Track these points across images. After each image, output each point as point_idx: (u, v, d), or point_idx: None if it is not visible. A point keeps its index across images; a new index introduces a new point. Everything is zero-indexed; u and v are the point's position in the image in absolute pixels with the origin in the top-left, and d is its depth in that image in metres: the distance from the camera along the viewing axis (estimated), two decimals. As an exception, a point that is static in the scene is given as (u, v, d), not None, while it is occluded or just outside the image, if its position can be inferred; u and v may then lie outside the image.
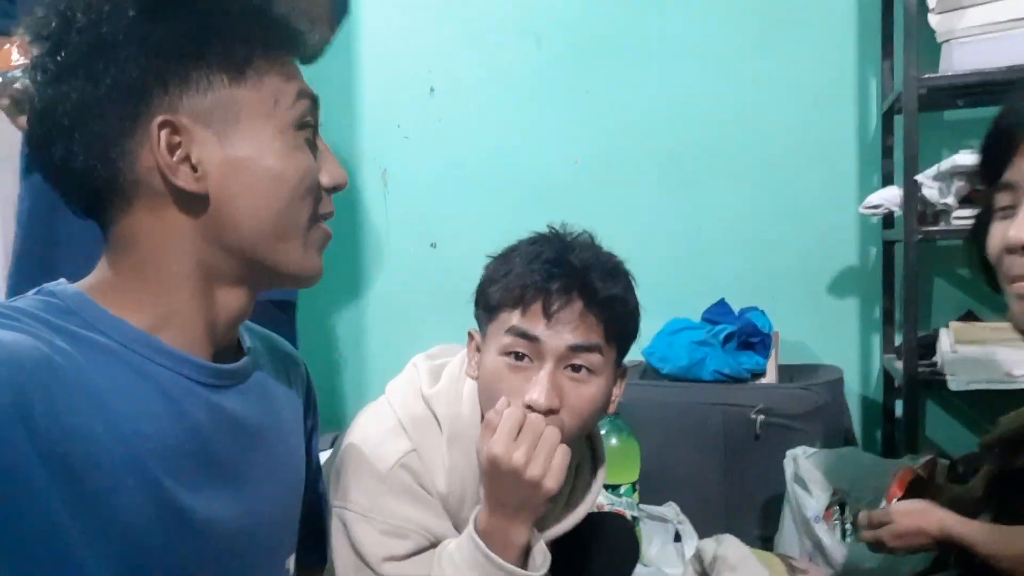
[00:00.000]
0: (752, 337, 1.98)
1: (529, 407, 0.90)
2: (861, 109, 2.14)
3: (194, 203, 0.64)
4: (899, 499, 1.21)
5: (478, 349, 1.00)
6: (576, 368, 0.93)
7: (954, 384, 1.70)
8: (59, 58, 0.61)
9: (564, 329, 0.92)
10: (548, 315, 0.92)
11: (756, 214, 2.19)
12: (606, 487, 1.83)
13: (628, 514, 1.78)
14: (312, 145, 0.70)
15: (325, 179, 0.71)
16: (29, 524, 0.50)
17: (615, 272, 0.98)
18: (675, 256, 2.24)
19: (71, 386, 0.55)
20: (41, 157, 0.64)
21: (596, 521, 1.28)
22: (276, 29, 0.68)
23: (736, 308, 2.07)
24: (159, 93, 0.62)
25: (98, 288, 0.65)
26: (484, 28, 2.37)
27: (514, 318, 0.93)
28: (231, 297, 0.69)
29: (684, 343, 1.98)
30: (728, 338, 1.98)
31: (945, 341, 1.81)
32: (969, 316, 1.96)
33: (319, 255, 0.72)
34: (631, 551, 1.28)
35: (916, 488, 1.23)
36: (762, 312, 2.03)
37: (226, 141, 0.64)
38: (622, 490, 1.84)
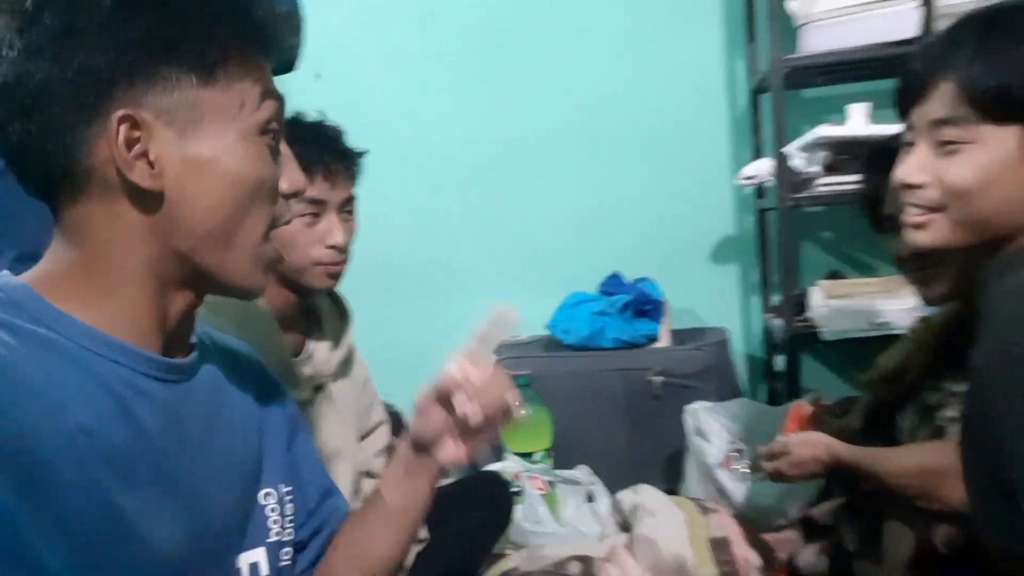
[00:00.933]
0: (645, 305, 2.10)
1: (333, 246, 1.19)
2: (730, 89, 2.31)
3: (148, 200, 0.63)
4: (793, 433, 1.34)
5: None
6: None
7: (827, 335, 1.88)
8: (29, 36, 0.59)
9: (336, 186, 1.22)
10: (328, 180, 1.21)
11: (643, 191, 2.33)
12: (520, 455, 1.91)
13: (543, 478, 1.86)
14: (275, 151, 0.69)
15: (284, 185, 0.70)
16: None
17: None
18: (571, 234, 2.34)
19: (13, 380, 0.54)
20: None
21: (473, 480, 1.59)
22: (253, 33, 0.66)
23: (629, 279, 2.19)
24: (124, 86, 0.61)
25: (44, 281, 0.64)
26: (372, 13, 2.37)
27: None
28: (179, 298, 0.68)
29: (584, 314, 2.08)
30: (624, 307, 2.10)
31: (816, 298, 1.99)
32: (835, 275, 2.17)
33: (264, 273, 0.70)
34: (505, 504, 1.52)
35: (807, 423, 1.36)
36: (653, 282, 2.17)
37: (187, 141, 0.63)
38: (536, 457, 1.92)
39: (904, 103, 0.89)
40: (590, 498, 1.91)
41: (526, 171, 2.35)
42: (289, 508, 0.79)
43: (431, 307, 2.38)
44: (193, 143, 0.63)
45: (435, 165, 2.37)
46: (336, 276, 1.25)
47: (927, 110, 0.85)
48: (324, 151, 1.19)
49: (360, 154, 1.27)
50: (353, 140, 1.28)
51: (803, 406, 1.39)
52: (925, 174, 0.84)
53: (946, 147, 0.83)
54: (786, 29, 1.94)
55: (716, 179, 2.30)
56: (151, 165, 0.62)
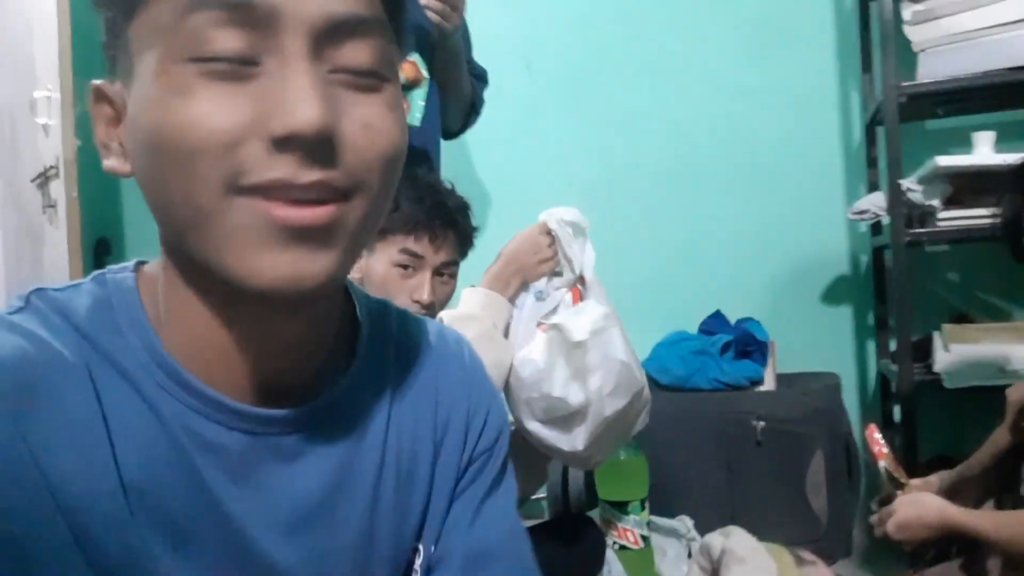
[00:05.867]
0: (749, 346, 2.00)
1: (417, 301, 1.24)
2: (844, 120, 2.19)
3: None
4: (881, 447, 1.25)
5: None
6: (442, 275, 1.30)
7: (950, 383, 1.72)
8: None
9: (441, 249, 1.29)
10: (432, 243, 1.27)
11: (748, 226, 2.24)
12: (612, 504, 1.83)
13: (637, 532, 1.77)
14: (234, 75, 0.44)
15: (273, 125, 0.43)
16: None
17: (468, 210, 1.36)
18: (671, 269, 2.27)
19: (51, 413, 0.45)
20: None
21: (561, 520, 1.58)
22: None
23: (732, 319, 2.10)
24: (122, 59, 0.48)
25: (153, 280, 0.52)
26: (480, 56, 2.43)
27: (408, 242, 1.25)
28: (237, 316, 0.50)
29: (682, 353, 2.01)
30: (725, 347, 2.00)
31: (939, 343, 1.84)
32: (961, 318, 1.99)
33: (265, 249, 0.45)
34: (597, 547, 1.49)
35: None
36: (758, 322, 2.06)
37: (128, 98, 0.47)
38: (629, 507, 1.83)
39: None
40: (690, 553, 1.81)
41: (632, 204, 2.31)
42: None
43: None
44: (129, 99, 0.47)
45: (539, 202, 2.37)
46: None
47: None
48: (436, 213, 1.26)
49: (473, 228, 1.35)
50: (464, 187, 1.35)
51: (872, 425, 1.32)
52: None
53: None
54: (904, 56, 1.83)
55: (829, 214, 2.19)
56: (122, 143, 0.49)
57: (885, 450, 1.26)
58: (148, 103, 0.44)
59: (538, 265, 1.30)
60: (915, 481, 1.26)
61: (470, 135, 2.45)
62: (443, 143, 1.70)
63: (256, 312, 0.49)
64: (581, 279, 1.31)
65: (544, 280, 1.30)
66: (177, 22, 0.43)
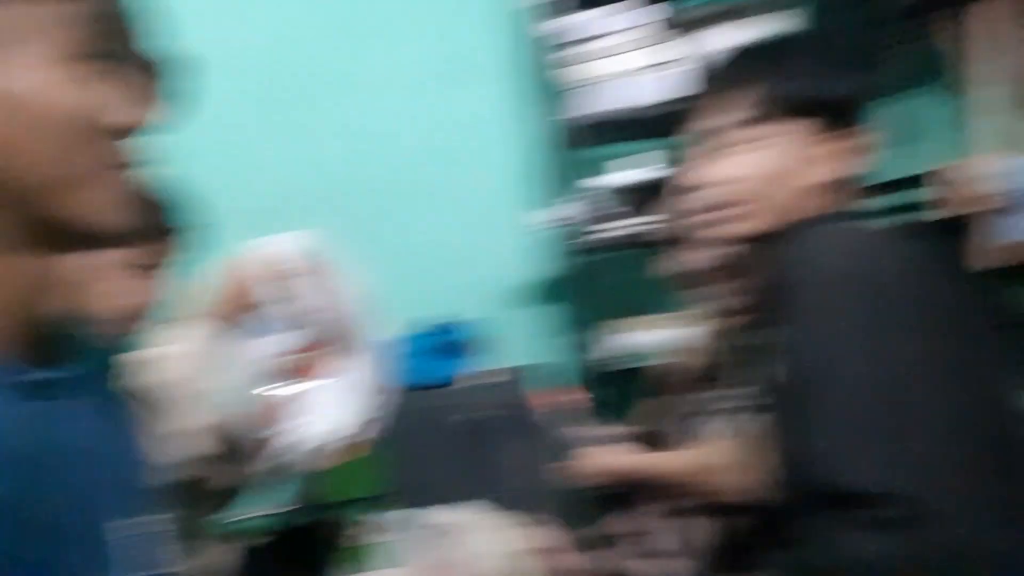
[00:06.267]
0: (455, 345, 2.18)
1: None
2: (524, 142, 2.49)
3: None
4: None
5: None
6: None
7: (619, 367, 2.06)
8: None
9: None
10: None
11: (449, 235, 2.45)
12: (344, 504, 1.84)
13: (372, 528, 1.79)
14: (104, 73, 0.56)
15: (114, 117, 0.56)
16: None
17: None
18: (384, 278, 2.35)
19: None
20: None
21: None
22: None
23: (441, 320, 2.28)
24: None
25: None
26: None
27: None
28: (28, 266, 0.55)
29: (399, 355, 2.10)
30: (425, 348, 2.16)
31: (611, 334, 2.18)
32: (624, 315, 2.37)
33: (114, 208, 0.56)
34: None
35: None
36: (463, 322, 2.29)
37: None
38: (363, 505, 1.86)
39: (706, 109, 1.03)
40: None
41: (345, 214, 2.35)
42: None
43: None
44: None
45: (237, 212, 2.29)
46: None
47: (734, 112, 0.98)
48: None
49: None
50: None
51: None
52: (738, 169, 0.98)
53: (744, 145, 0.97)
54: (570, 88, 2.14)
55: (520, 224, 2.45)
56: None
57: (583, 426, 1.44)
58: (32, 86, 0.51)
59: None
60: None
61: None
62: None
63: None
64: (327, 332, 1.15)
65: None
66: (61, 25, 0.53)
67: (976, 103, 2.18)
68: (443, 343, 2.20)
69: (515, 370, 2.28)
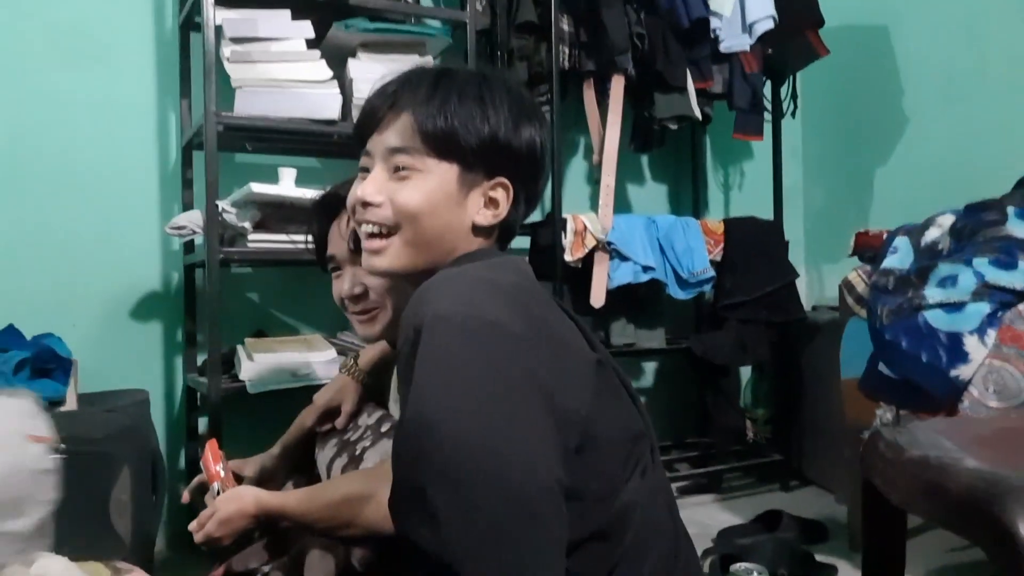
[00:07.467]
0: (49, 364, 1.83)
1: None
2: (162, 140, 2.22)
3: None
4: (221, 465, 1.29)
5: None
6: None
7: (252, 389, 1.90)
8: None
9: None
10: None
11: (55, 236, 2.07)
12: None
13: None
14: None
15: None
16: None
17: None
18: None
19: None
20: None
21: None
22: None
23: (29, 334, 1.88)
24: None
25: None
26: None
27: None
28: None
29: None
30: (20, 366, 1.78)
31: (243, 355, 2.00)
32: (259, 333, 2.22)
33: None
34: None
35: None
36: (59, 338, 1.90)
37: None
38: None
39: (364, 131, 0.98)
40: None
41: None
42: None
43: None
44: None
45: None
46: None
47: (386, 138, 0.95)
48: None
49: None
50: None
51: (214, 441, 1.35)
52: (381, 195, 0.94)
53: (399, 172, 0.93)
54: (224, 89, 1.96)
55: (141, 231, 2.18)
56: None
57: (222, 473, 1.29)
58: None
59: None
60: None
61: None
62: None
63: None
64: None
65: None
66: None
67: (595, 164, 2.50)
68: (43, 359, 1.82)
69: (137, 394, 1.98)
